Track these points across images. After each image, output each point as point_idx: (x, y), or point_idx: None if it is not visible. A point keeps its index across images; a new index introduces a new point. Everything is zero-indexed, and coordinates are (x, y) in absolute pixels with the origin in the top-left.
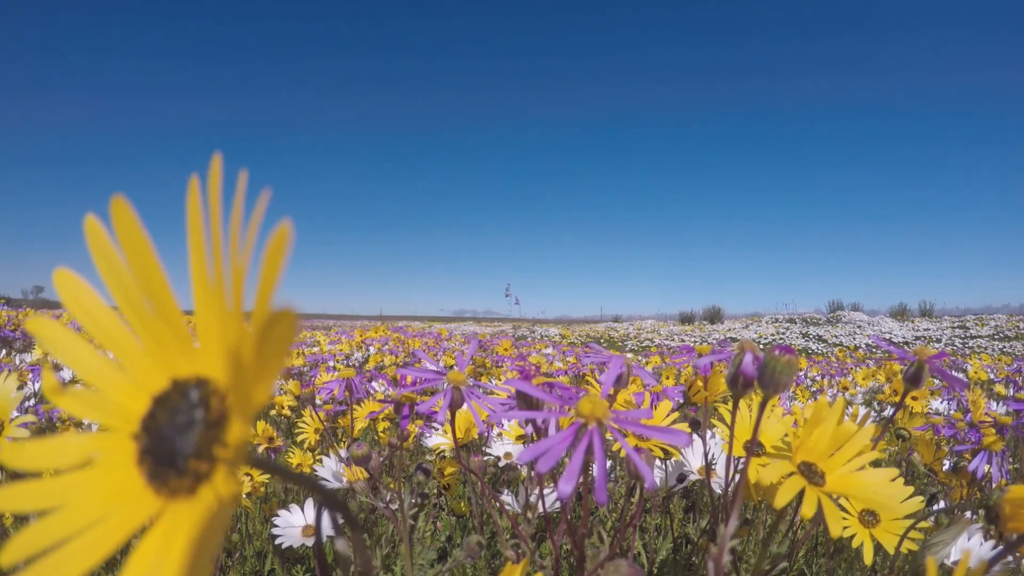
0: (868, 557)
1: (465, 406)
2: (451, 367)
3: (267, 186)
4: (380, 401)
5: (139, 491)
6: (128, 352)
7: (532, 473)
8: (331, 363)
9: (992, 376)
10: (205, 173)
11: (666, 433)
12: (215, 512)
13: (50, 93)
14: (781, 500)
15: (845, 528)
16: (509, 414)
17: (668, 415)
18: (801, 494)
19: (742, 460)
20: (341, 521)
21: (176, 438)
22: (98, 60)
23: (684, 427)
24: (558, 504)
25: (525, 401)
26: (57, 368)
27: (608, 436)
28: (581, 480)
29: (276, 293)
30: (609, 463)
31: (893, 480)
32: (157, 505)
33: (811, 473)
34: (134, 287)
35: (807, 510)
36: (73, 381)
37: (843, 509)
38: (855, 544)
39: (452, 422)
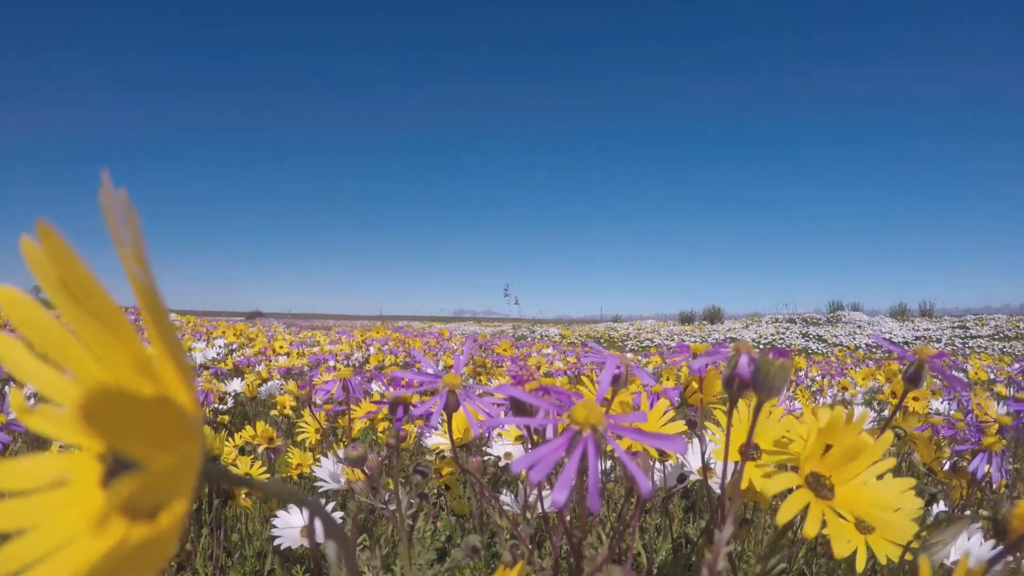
0: (860, 564)
1: (461, 408)
2: (449, 367)
3: (123, 186)
4: (375, 402)
5: (104, 513)
6: (87, 369)
7: (529, 480)
8: (331, 363)
9: (992, 376)
10: (205, 172)
11: (662, 440)
12: (157, 537)
13: (48, 90)
14: (784, 516)
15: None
16: (502, 421)
17: (664, 414)
18: (806, 509)
19: (739, 464)
20: (338, 521)
21: (128, 462)
22: (94, 57)
23: (681, 426)
24: None
25: (518, 408)
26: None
27: (606, 445)
28: (577, 485)
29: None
30: (608, 463)
31: (906, 492)
32: (123, 526)
33: (819, 486)
34: (78, 304)
35: (809, 528)
36: (39, 398)
37: (839, 515)
38: (847, 552)
39: (449, 424)
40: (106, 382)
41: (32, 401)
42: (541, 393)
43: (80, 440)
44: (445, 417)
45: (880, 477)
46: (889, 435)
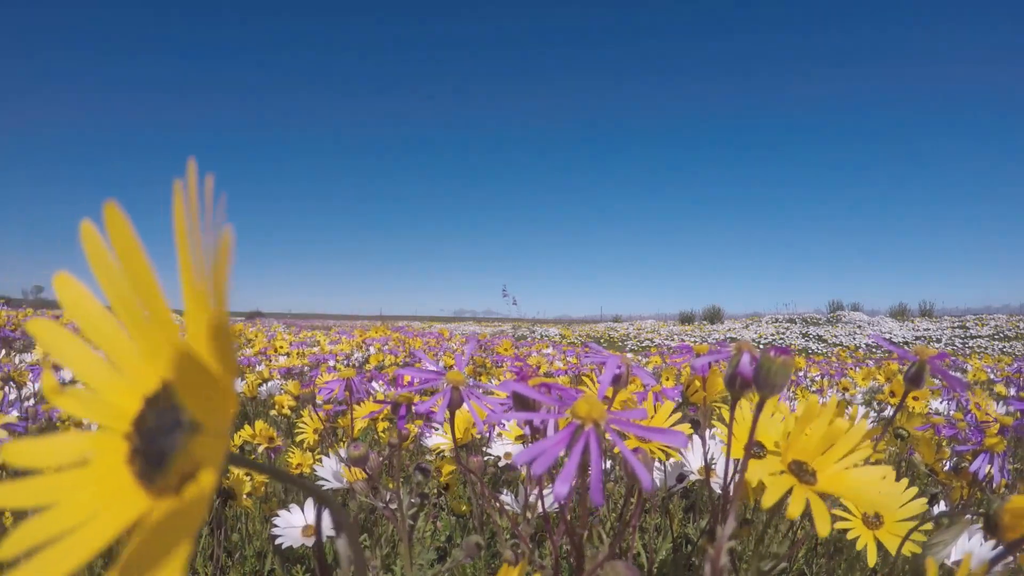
0: (872, 558)
1: (464, 406)
2: (451, 367)
3: (223, 191)
4: (378, 402)
5: (129, 489)
6: (124, 354)
7: (531, 473)
8: (332, 363)
9: (992, 376)
10: (204, 171)
11: (663, 434)
12: (190, 504)
13: (48, 90)
14: (769, 499)
15: (849, 530)
16: (506, 415)
17: (669, 416)
18: (790, 493)
19: (741, 461)
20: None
21: (162, 439)
22: (95, 57)
23: (685, 428)
24: (557, 504)
25: (521, 403)
26: (57, 368)
27: (607, 437)
28: (579, 481)
29: (227, 294)
30: (609, 463)
31: (886, 478)
32: (146, 503)
33: (801, 471)
34: (128, 291)
35: (793, 509)
36: (72, 382)
37: (846, 511)
38: (859, 546)
39: (451, 422)
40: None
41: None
42: (544, 389)
43: (108, 421)
44: (448, 415)
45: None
46: (864, 422)
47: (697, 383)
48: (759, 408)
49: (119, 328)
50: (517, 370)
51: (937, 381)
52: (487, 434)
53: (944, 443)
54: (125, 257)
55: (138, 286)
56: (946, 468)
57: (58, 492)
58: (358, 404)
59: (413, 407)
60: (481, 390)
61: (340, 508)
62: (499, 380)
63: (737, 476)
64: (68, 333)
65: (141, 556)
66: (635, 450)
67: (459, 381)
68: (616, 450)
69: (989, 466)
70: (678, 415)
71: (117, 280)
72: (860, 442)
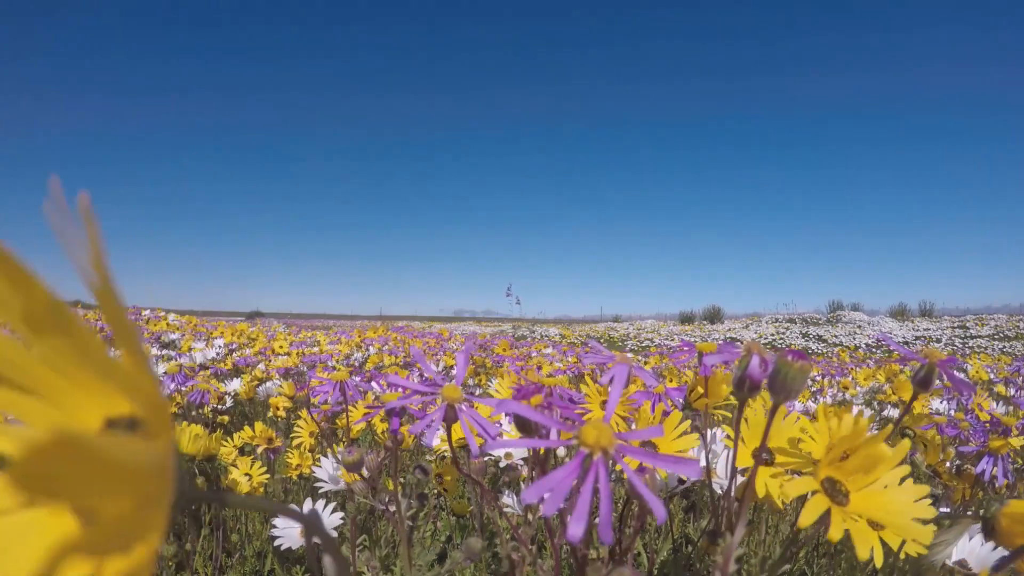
0: (879, 559)
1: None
2: (450, 367)
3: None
4: (371, 406)
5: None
6: (51, 391)
7: (533, 474)
8: (330, 363)
9: (992, 376)
10: (205, 171)
11: (677, 464)
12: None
13: (44, 91)
14: (805, 520)
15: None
16: (504, 444)
17: (677, 427)
18: (826, 514)
19: (752, 468)
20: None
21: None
22: (92, 61)
23: (693, 440)
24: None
25: (522, 426)
26: None
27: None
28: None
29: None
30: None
31: (920, 500)
32: (91, 565)
33: (835, 491)
34: (50, 331)
35: (834, 533)
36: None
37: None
38: (868, 555)
39: (448, 433)
40: (51, 427)
41: None
42: (546, 409)
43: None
44: (444, 427)
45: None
46: (906, 443)
47: (700, 388)
48: (772, 414)
49: (42, 365)
50: (517, 387)
51: (939, 382)
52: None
53: (946, 443)
54: (29, 296)
55: (53, 325)
56: (948, 468)
57: (2, 537)
58: (354, 406)
59: (407, 414)
60: (479, 391)
61: (325, 530)
62: (499, 380)
63: (740, 480)
64: None
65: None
66: (640, 469)
67: (455, 399)
68: (625, 475)
69: (994, 468)
70: (687, 424)
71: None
72: (896, 463)
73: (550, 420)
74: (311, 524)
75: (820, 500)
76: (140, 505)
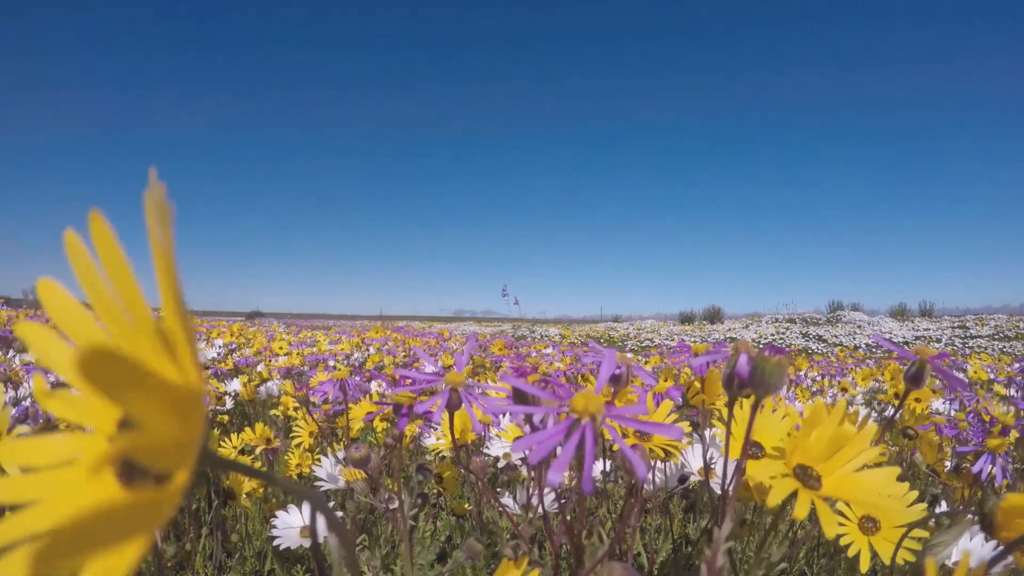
0: (864, 565)
1: (463, 406)
2: (450, 367)
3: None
4: (376, 403)
5: (111, 488)
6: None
7: (532, 474)
8: (331, 363)
9: (992, 376)
10: (205, 172)
11: (660, 427)
12: (154, 500)
13: (48, 91)
14: (772, 501)
15: (843, 535)
16: (505, 408)
17: (668, 415)
18: (794, 496)
19: (738, 461)
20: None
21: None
22: (95, 59)
23: (684, 426)
24: (557, 505)
25: (520, 398)
26: (46, 371)
27: (606, 435)
28: (574, 476)
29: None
30: (608, 463)
31: (890, 480)
32: (122, 494)
33: (806, 476)
34: (111, 296)
35: (799, 511)
36: (62, 384)
37: (843, 516)
38: (851, 553)
39: (451, 422)
40: (108, 343)
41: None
42: (542, 385)
43: (94, 421)
44: (447, 415)
45: (868, 468)
46: (873, 426)
47: (697, 385)
48: (754, 408)
49: (103, 332)
50: (516, 368)
51: (938, 381)
52: (485, 435)
53: (946, 443)
54: (108, 263)
55: (120, 291)
56: (948, 468)
57: (42, 490)
58: (354, 404)
59: (413, 407)
60: (479, 390)
61: (330, 510)
62: (497, 380)
63: (734, 477)
64: (55, 337)
65: (95, 533)
66: (633, 447)
67: (458, 383)
68: (616, 447)
69: (992, 467)
70: (677, 415)
71: (100, 286)
72: (866, 446)
73: (545, 392)
74: (317, 501)
75: (787, 483)
76: (179, 426)
